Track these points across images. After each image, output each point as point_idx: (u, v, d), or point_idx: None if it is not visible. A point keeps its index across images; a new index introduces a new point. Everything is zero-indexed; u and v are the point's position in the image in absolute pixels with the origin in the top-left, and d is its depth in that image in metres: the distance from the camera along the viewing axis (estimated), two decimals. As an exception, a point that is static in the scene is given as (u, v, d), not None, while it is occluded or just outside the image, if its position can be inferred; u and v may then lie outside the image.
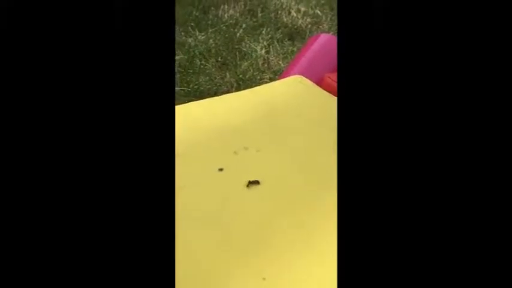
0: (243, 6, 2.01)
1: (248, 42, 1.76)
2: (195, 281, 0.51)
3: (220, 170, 0.67)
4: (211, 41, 1.75)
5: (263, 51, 1.72)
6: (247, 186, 0.64)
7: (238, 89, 1.50)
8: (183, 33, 1.77)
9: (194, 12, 1.91)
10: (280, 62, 1.67)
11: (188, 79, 1.51)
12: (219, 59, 1.66)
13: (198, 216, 0.58)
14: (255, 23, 1.90)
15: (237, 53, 1.70)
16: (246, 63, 1.64)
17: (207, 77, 1.55)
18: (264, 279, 0.51)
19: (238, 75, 1.57)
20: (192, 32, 1.79)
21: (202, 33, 1.79)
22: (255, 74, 1.60)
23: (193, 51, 1.67)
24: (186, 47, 1.69)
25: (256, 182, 0.64)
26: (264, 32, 1.83)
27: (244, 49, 1.72)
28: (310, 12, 2.04)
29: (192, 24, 1.83)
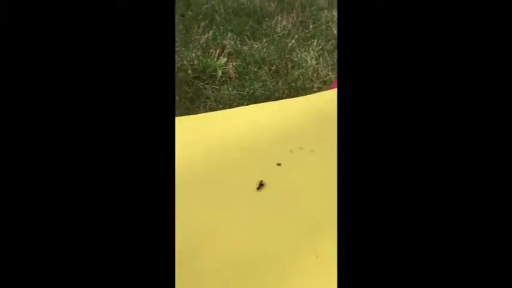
0: (295, 18, 2.10)
1: (299, 52, 1.86)
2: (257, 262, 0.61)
3: (279, 164, 0.78)
4: (265, 50, 1.86)
5: (313, 61, 1.81)
6: (257, 188, 0.73)
7: (289, 95, 1.60)
8: (239, 42, 1.89)
9: (250, 22, 2.03)
10: (330, 73, 1.76)
11: (244, 84, 1.63)
12: (272, 67, 1.77)
13: (261, 202, 0.69)
14: (307, 34, 1.99)
15: (289, 62, 1.80)
16: (297, 72, 1.74)
17: (261, 83, 1.66)
18: (317, 257, 0.61)
19: (289, 83, 1.67)
20: (248, 40, 1.91)
21: (257, 42, 1.90)
22: (305, 82, 1.69)
23: (249, 58, 1.79)
24: (242, 55, 1.80)
25: (262, 185, 0.73)
26: (315, 43, 1.92)
27: (295, 59, 1.82)
28: (360, 25, 2.10)
29: (248, 33, 1.95)
